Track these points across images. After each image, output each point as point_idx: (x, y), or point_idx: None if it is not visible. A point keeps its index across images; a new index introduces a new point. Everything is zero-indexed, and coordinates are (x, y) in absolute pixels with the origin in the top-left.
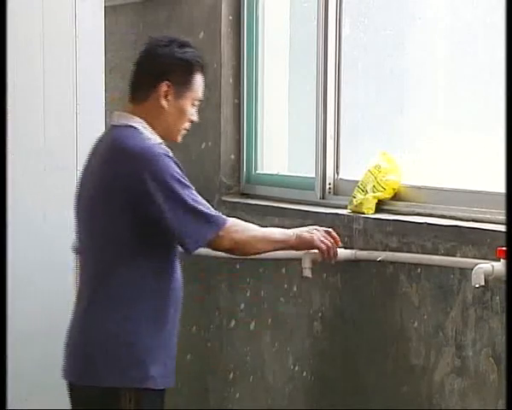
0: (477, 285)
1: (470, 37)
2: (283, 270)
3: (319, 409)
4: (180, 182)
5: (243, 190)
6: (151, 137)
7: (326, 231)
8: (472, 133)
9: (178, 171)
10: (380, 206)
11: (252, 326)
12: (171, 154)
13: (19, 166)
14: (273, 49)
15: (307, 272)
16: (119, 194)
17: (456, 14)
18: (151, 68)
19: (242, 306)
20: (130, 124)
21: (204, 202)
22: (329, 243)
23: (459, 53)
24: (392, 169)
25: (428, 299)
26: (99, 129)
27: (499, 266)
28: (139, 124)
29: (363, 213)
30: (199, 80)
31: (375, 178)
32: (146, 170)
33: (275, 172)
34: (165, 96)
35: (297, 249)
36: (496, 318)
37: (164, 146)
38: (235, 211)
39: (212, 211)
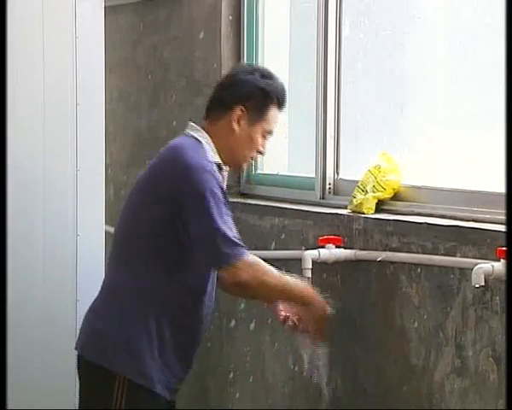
0: (477, 285)
1: (470, 37)
2: (283, 270)
3: (319, 409)
4: (216, 201)
5: (243, 190)
6: (210, 154)
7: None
8: (472, 133)
9: (218, 191)
10: (380, 206)
11: (252, 326)
12: (217, 174)
13: (19, 167)
14: (273, 49)
15: (307, 272)
16: (162, 196)
17: (456, 14)
18: (230, 91)
19: (242, 306)
20: (195, 136)
21: (233, 228)
22: (319, 328)
23: (459, 53)
24: (392, 169)
25: (428, 299)
26: (99, 129)
27: (499, 266)
28: (204, 139)
29: (363, 213)
30: (274, 113)
31: (375, 178)
32: (188, 181)
33: (275, 172)
34: (238, 121)
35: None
36: (496, 318)
37: (215, 165)
38: (234, 211)
39: (237, 241)
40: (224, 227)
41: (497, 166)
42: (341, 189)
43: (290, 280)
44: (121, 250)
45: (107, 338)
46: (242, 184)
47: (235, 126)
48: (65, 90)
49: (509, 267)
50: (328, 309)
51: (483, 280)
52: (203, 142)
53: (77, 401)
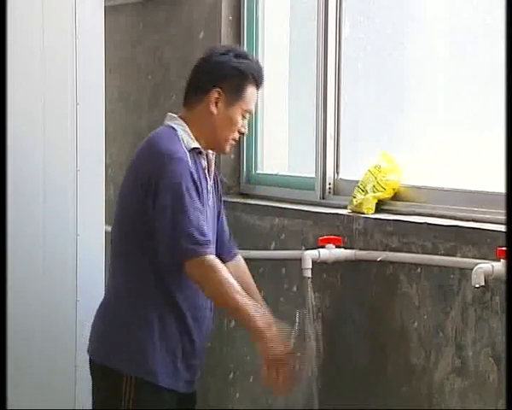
0: (477, 285)
1: (470, 37)
2: (283, 270)
3: (319, 409)
4: (182, 191)
5: (243, 190)
6: (186, 140)
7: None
8: (472, 133)
9: (190, 181)
10: (380, 206)
11: None
12: (189, 161)
13: (19, 167)
14: (273, 49)
15: (307, 272)
16: (139, 188)
17: (456, 14)
18: (205, 74)
19: None
20: (170, 124)
21: (200, 224)
22: (276, 371)
23: (459, 53)
24: (392, 169)
25: (428, 299)
26: (99, 129)
27: (499, 266)
28: (179, 126)
29: (363, 213)
30: (251, 92)
31: (375, 178)
32: (158, 169)
33: (275, 172)
34: (216, 103)
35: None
36: (496, 318)
37: (192, 151)
38: (235, 211)
39: (201, 237)
40: (185, 220)
41: (497, 166)
42: (341, 189)
43: (249, 304)
44: (116, 250)
45: (111, 339)
46: (242, 184)
47: (213, 109)
48: (65, 89)
49: (509, 267)
50: (286, 350)
51: (483, 280)
52: (178, 129)
53: (77, 401)
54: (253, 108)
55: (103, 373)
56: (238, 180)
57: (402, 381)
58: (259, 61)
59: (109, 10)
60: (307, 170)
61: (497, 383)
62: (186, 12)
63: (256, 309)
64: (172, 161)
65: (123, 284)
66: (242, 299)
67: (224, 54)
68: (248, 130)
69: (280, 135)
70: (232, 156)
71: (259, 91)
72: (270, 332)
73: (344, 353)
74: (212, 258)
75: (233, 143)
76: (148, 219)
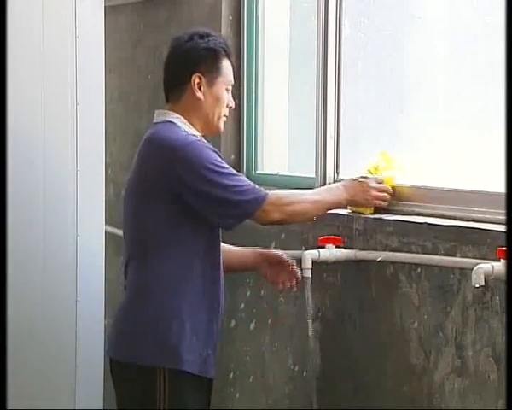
0: (477, 285)
1: (470, 37)
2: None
3: (319, 409)
4: (216, 165)
5: None
6: (188, 130)
7: (378, 186)
8: (472, 133)
9: (213, 156)
10: None
11: (252, 326)
12: (204, 141)
13: (19, 167)
14: (273, 49)
15: (307, 272)
16: (158, 184)
17: (456, 14)
18: (179, 66)
19: (242, 306)
20: (167, 119)
21: (242, 179)
22: (382, 198)
23: (459, 53)
24: (389, 166)
25: (428, 299)
26: (99, 129)
27: (499, 266)
28: (176, 119)
29: (363, 213)
30: (226, 65)
31: None
32: (181, 160)
33: (275, 172)
34: (199, 88)
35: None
36: (496, 318)
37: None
38: None
39: (250, 187)
40: (232, 185)
41: (497, 166)
42: None
43: (318, 193)
44: (137, 250)
45: (138, 336)
46: None
47: (199, 94)
48: (65, 89)
49: (509, 267)
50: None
51: (483, 280)
52: (176, 122)
53: (77, 401)
54: (232, 79)
55: (131, 371)
56: None
57: (402, 381)
58: (258, 60)
59: (109, 10)
60: (307, 170)
61: (497, 383)
62: (186, 12)
63: (332, 193)
64: (191, 147)
65: (148, 279)
66: (314, 195)
67: (189, 40)
68: (248, 130)
69: (280, 135)
70: (232, 156)
71: (259, 91)
72: (352, 191)
73: (344, 353)
74: (272, 192)
75: (225, 119)
76: (180, 216)
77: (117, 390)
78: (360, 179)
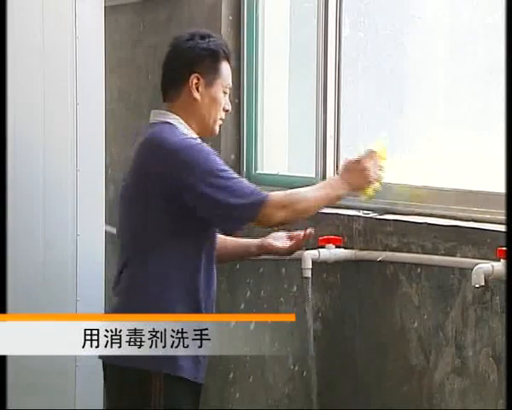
0: (477, 285)
1: (470, 37)
2: (283, 270)
3: (319, 409)
4: (216, 169)
5: None
6: (186, 132)
7: (372, 163)
8: (472, 133)
9: (213, 159)
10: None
11: (252, 326)
12: (204, 144)
13: (19, 167)
14: (273, 49)
15: (307, 273)
16: (156, 185)
17: (456, 14)
18: (178, 65)
19: (242, 306)
20: (165, 120)
21: (243, 182)
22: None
23: (459, 53)
24: (380, 151)
25: (428, 299)
26: (99, 129)
27: (499, 266)
28: (174, 120)
29: (366, 195)
30: (226, 67)
31: None
32: (182, 163)
33: (275, 172)
34: (197, 89)
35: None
36: (496, 318)
37: (198, 139)
38: None
39: (251, 190)
40: (233, 187)
41: (497, 166)
42: None
43: (317, 189)
44: (133, 253)
45: None
46: None
47: (197, 95)
48: (65, 89)
49: (509, 267)
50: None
51: (483, 280)
52: (174, 123)
53: (77, 401)
54: (230, 82)
55: (126, 376)
56: None
57: (402, 381)
58: (258, 60)
59: (109, 10)
60: (307, 170)
61: (497, 383)
62: (186, 12)
63: (326, 190)
64: (191, 149)
65: (143, 283)
66: (316, 192)
67: (190, 39)
68: (248, 130)
69: (280, 135)
70: (232, 156)
71: (260, 91)
72: (350, 178)
73: (344, 353)
74: (272, 193)
75: (220, 122)
76: (181, 207)
77: (110, 395)
78: (354, 162)
